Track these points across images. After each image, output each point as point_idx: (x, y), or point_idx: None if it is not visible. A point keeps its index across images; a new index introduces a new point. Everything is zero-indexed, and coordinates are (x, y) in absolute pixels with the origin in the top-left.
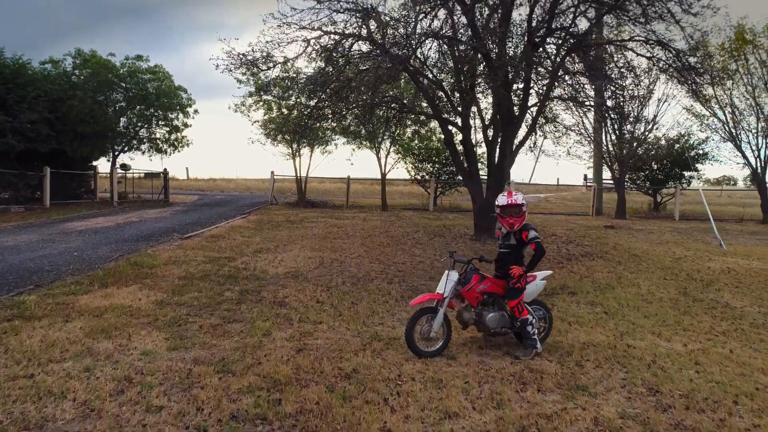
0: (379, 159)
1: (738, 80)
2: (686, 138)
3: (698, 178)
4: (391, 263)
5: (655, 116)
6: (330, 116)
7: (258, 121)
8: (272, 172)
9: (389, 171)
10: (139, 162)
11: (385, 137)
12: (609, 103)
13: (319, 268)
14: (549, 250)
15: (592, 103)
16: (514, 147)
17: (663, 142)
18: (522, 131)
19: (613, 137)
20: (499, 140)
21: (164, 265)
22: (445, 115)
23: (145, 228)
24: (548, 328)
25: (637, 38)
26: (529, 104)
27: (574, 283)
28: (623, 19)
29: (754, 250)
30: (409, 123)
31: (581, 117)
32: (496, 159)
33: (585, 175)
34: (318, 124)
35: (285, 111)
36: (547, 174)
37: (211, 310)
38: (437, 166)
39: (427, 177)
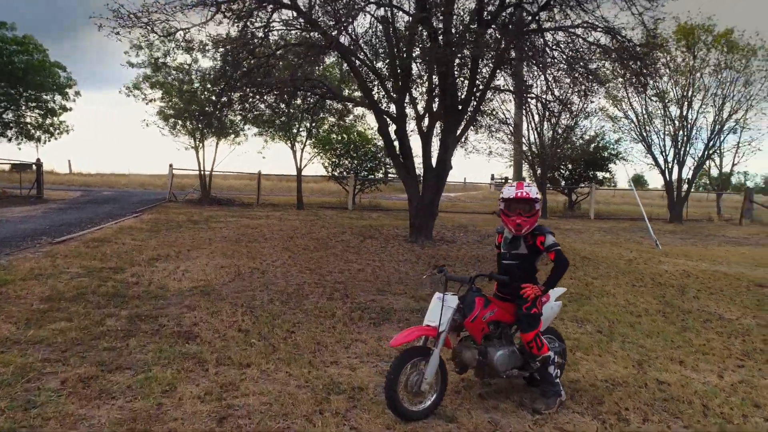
0: (294, 153)
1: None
2: (601, 138)
3: (609, 180)
4: (326, 272)
5: (578, 114)
6: (242, 101)
7: (154, 100)
8: (170, 166)
9: (305, 166)
10: (5, 151)
11: (301, 129)
12: (554, 93)
13: (235, 281)
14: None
15: (534, 95)
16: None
17: (580, 141)
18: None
19: (534, 135)
20: (440, 132)
21: (21, 281)
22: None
23: (5, 230)
24: (563, 364)
25: (584, 24)
26: (474, 91)
27: None
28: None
29: (689, 250)
30: (329, 113)
31: (505, 113)
32: (437, 152)
33: (492, 175)
34: (227, 111)
35: (187, 95)
36: (453, 173)
37: (83, 351)
38: (356, 161)
39: (345, 173)
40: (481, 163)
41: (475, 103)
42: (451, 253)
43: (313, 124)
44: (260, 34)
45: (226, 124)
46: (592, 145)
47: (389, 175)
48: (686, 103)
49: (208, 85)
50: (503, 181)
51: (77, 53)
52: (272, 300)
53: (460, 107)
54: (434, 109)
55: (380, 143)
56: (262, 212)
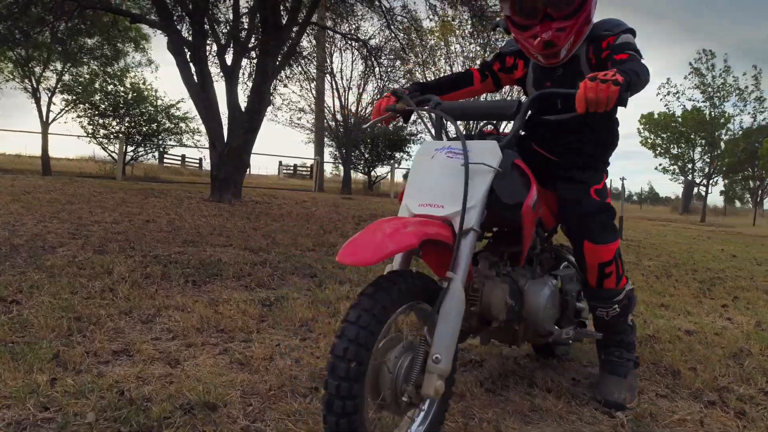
0: (38, 100)
1: (444, 65)
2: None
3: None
4: (89, 222)
5: (382, 88)
6: None
7: None
8: None
9: (53, 120)
10: None
11: (50, 66)
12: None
13: None
14: (328, 227)
15: (356, 36)
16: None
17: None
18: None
19: (338, 105)
20: (256, 57)
21: None
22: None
23: None
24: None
25: None
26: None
27: None
28: None
29: None
30: (91, 56)
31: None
32: (253, 81)
33: (280, 161)
34: None
35: None
36: None
37: None
38: (129, 123)
39: (112, 137)
40: (270, 149)
41: (300, 22)
42: (272, 210)
43: (68, 65)
44: None
45: None
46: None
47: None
48: None
49: None
50: (293, 168)
51: None
52: None
53: (284, 28)
54: (241, 38)
55: (161, 102)
56: None
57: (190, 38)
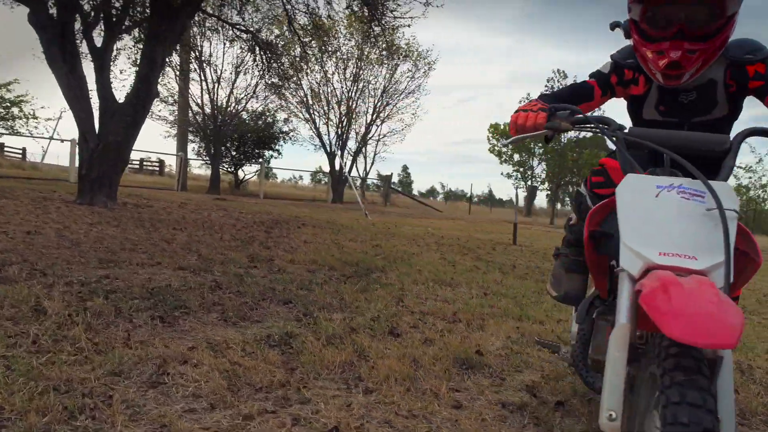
0: None
1: (315, 64)
2: (271, 114)
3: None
4: None
5: (256, 86)
6: None
7: None
8: None
9: None
10: None
11: None
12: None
13: None
14: (240, 236)
15: (245, 27)
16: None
17: (246, 115)
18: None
19: (206, 99)
20: (141, 38)
21: None
22: None
23: None
24: None
25: None
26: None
27: (377, 260)
28: None
29: (401, 221)
30: None
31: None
32: (140, 69)
33: (141, 160)
34: None
35: None
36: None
37: None
38: None
39: None
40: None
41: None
42: (161, 216)
43: None
44: None
45: None
46: (260, 122)
47: None
48: (348, 90)
49: None
50: (138, 163)
51: None
52: None
53: (177, 13)
54: (113, 16)
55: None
56: None
57: (54, 12)
